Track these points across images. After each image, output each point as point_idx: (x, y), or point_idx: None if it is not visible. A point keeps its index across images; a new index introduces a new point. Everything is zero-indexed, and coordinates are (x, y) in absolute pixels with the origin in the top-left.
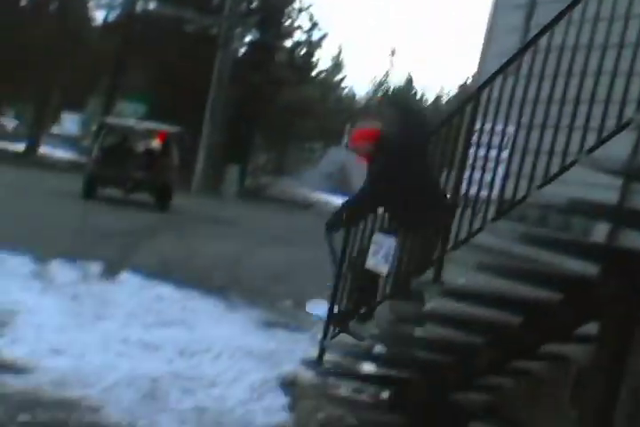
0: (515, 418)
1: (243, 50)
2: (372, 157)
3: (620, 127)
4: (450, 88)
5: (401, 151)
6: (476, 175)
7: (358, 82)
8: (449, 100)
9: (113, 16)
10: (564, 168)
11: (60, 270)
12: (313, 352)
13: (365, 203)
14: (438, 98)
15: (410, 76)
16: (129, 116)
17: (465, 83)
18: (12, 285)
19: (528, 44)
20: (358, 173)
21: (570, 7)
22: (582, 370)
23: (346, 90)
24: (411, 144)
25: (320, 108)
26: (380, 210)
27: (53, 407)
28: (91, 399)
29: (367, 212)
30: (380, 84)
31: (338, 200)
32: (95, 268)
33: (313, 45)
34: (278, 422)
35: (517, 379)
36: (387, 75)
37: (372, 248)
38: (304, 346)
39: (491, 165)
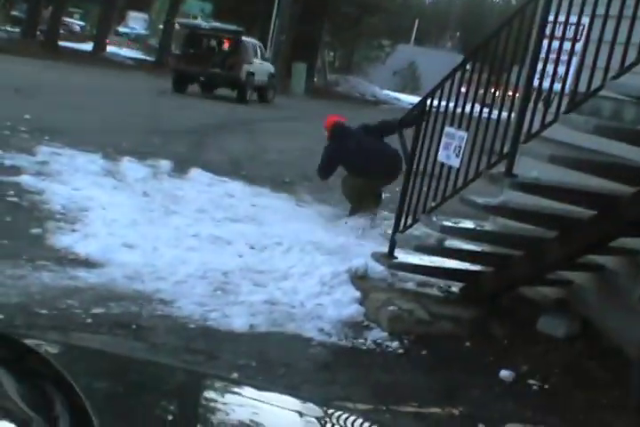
0: (586, 312)
1: None
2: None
3: None
4: None
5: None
6: (550, 68)
7: None
8: None
9: None
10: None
11: (132, 166)
12: (384, 246)
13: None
14: None
15: None
16: (196, 14)
17: None
18: (83, 181)
19: None
20: (427, 70)
21: None
22: None
23: None
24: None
25: (389, 3)
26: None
27: (126, 300)
28: (163, 293)
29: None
30: None
31: (407, 97)
32: (167, 163)
33: None
34: (349, 315)
35: (589, 274)
36: None
37: (444, 141)
38: (375, 240)
39: (564, 57)
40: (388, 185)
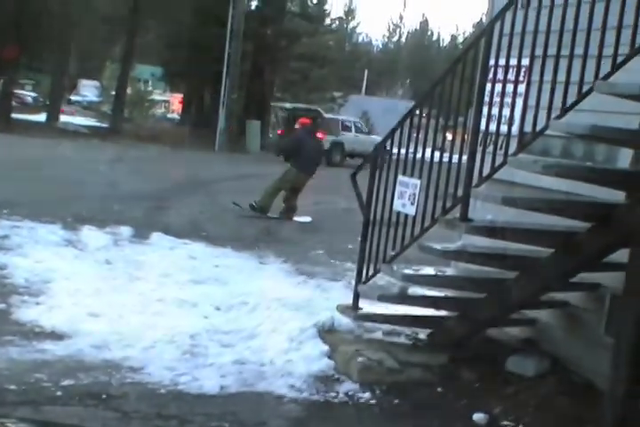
0: (554, 349)
1: (254, 3)
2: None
3: (634, 52)
4: (465, 27)
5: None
6: (495, 111)
7: (373, 27)
8: (465, 39)
9: None
10: (581, 96)
11: (93, 234)
12: (348, 298)
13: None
14: (454, 38)
15: (424, 17)
16: (147, 78)
17: (480, 20)
18: (45, 253)
19: None
20: (380, 118)
21: None
22: (615, 298)
23: (361, 36)
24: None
25: (336, 56)
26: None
27: (95, 370)
28: (132, 360)
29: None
30: (396, 26)
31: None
32: (127, 229)
33: None
34: (319, 370)
35: (554, 311)
36: (401, 18)
37: (398, 190)
38: (339, 293)
39: (508, 99)
40: None
